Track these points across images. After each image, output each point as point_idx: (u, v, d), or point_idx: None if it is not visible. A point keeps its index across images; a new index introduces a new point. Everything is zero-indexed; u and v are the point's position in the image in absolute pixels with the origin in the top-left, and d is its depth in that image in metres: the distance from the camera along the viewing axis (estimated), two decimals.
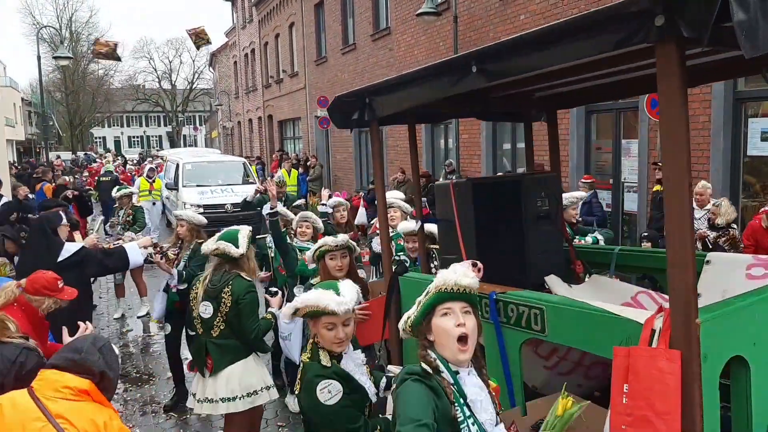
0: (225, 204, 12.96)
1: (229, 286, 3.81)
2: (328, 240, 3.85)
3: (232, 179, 14.57)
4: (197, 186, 13.79)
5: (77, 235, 6.71)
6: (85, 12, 64.87)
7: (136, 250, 5.18)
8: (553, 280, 3.42)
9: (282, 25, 25.42)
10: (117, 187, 9.39)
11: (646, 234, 6.64)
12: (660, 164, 7.50)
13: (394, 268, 3.66)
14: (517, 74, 2.53)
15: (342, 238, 3.90)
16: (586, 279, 3.82)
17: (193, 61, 68.61)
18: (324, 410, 2.43)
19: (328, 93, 19.25)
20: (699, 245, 5.97)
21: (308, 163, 18.30)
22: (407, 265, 4.65)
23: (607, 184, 9.55)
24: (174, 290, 5.19)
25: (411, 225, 4.90)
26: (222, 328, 3.82)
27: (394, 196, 6.22)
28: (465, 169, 12.87)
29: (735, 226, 6.13)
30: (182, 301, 5.14)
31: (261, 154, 29.03)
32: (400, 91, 3.15)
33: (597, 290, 3.38)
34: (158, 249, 5.27)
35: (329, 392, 2.44)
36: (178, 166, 14.68)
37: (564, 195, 5.86)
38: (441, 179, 13.09)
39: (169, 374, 6.14)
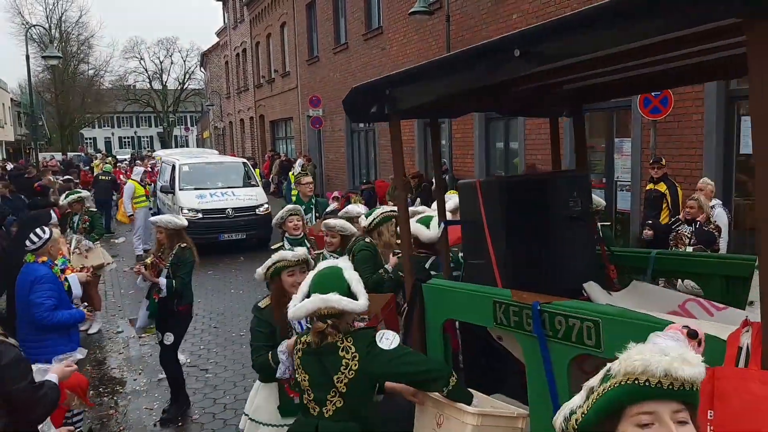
0: (226, 209, 12.22)
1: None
2: (286, 255, 3.38)
3: (233, 182, 13.53)
4: (195, 189, 12.80)
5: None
6: (75, 12, 64.42)
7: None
8: (592, 287, 3.18)
9: (273, 24, 25.33)
10: (66, 192, 8.56)
11: (649, 222, 6.65)
12: (659, 163, 7.51)
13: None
14: (569, 58, 2.24)
15: (301, 252, 3.46)
16: (621, 284, 3.58)
17: (184, 61, 68.33)
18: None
19: (320, 93, 19.18)
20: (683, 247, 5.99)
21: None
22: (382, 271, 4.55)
23: (600, 182, 9.55)
24: (156, 300, 5.02)
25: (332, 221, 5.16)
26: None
27: (349, 212, 5.80)
28: (458, 168, 12.85)
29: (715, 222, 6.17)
30: (163, 310, 5.05)
31: (253, 155, 28.92)
32: (426, 81, 2.86)
33: (639, 298, 3.12)
34: (138, 266, 5.11)
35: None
36: (174, 167, 13.57)
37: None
38: (434, 179, 13.06)
39: (162, 376, 6.08)
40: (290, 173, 15.59)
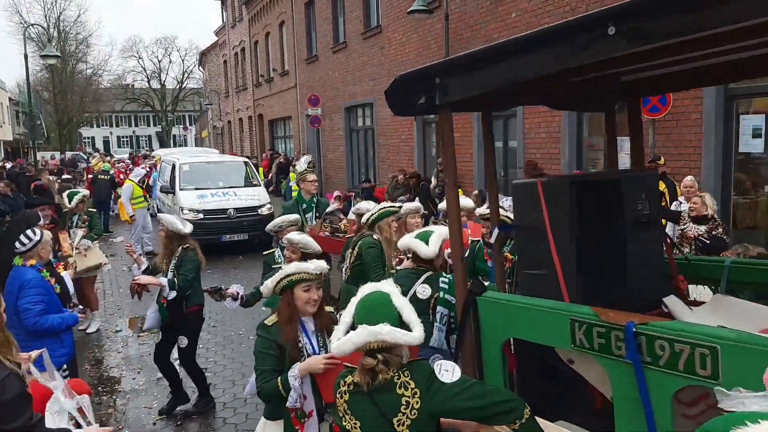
0: (227, 209, 12.00)
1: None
2: (306, 267, 3.02)
3: (234, 181, 13.25)
4: (196, 189, 12.53)
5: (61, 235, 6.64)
6: (74, 11, 64.21)
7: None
8: (675, 303, 2.85)
9: (272, 23, 25.31)
10: (69, 192, 8.45)
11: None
12: (656, 162, 7.51)
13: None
14: (672, 38, 1.92)
15: (323, 265, 3.12)
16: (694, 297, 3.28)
17: (183, 60, 68.49)
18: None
19: (319, 92, 19.17)
20: (688, 248, 5.90)
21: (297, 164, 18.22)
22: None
23: None
24: (164, 304, 5.00)
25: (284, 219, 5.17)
26: None
27: (360, 209, 5.65)
28: (457, 167, 12.83)
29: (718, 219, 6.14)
30: (173, 312, 5.02)
31: (252, 154, 28.90)
32: (486, 67, 2.48)
33: (727, 314, 2.77)
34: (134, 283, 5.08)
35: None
36: (174, 167, 13.32)
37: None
38: (433, 178, 13.06)
39: (160, 375, 6.08)
40: (291, 171, 15.39)
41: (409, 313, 2.29)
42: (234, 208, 12.06)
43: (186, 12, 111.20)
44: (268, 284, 3.08)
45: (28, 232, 4.48)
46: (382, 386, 2.18)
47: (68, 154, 36.65)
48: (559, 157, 10.00)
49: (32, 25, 32.79)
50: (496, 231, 3.37)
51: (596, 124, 9.82)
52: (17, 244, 4.41)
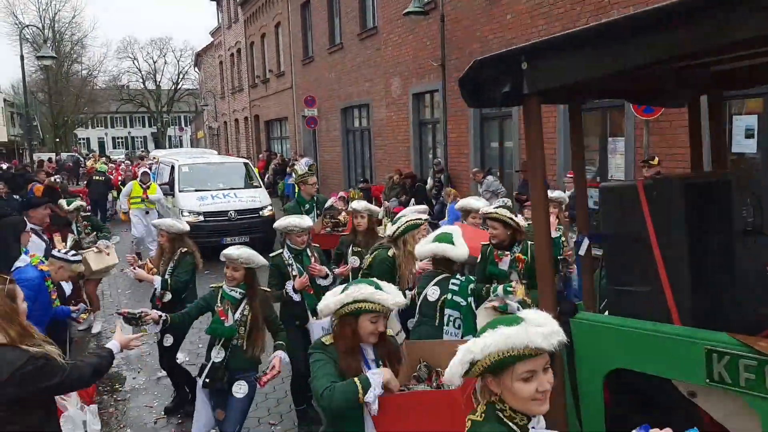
0: (228, 211, 11.87)
1: None
2: (380, 297, 2.61)
3: (234, 183, 13.11)
4: (196, 191, 12.37)
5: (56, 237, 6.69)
6: (69, 12, 64.11)
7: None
8: None
9: (268, 24, 25.34)
10: (67, 199, 8.16)
11: None
12: (648, 162, 7.60)
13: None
14: None
15: (400, 300, 2.75)
16: None
17: (178, 61, 68.04)
18: None
19: (315, 93, 19.22)
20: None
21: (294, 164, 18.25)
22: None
23: (594, 182, 9.63)
24: (159, 305, 5.03)
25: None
26: None
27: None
28: (453, 168, 12.92)
29: None
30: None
31: (248, 155, 28.90)
32: (593, 50, 2.09)
33: None
34: (133, 258, 5.15)
35: None
36: (173, 168, 13.16)
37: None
38: (429, 179, 13.13)
39: (161, 374, 6.12)
40: (287, 172, 15.13)
41: None
42: (235, 210, 11.91)
43: (181, 13, 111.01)
44: (330, 306, 2.67)
45: (72, 253, 4.75)
46: None
47: (63, 155, 36.58)
48: (554, 158, 10.07)
49: (28, 26, 32.61)
50: (585, 241, 2.96)
51: (590, 125, 9.91)
52: (56, 251, 4.63)
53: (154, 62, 60.09)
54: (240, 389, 3.93)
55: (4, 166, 23.65)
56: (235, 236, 11.63)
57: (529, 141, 2.57)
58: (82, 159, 36.93)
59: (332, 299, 2.69)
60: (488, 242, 4.57)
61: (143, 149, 52.40)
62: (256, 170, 15.45)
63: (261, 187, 13.52)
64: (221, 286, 4.05)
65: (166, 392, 5.78)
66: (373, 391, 2.44)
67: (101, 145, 67.59)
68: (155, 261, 5.36)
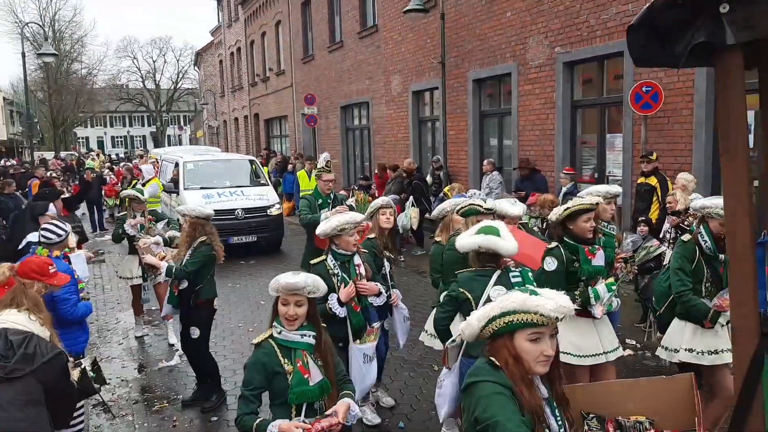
0: (235, 209, 11.46)
1: None
2: (540, 304, 1.97)
3: (241, 181, 12.74)
4: (201, 189, 11.95)
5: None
6: (69, 11, 64.20)
7: (82, 260, 4.93)
8: None
9: (268, 23, 25.40)
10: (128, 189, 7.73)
11: (642, 219, 6.85)
12: (647, 157, 7.66)
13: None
14: None
15: (567, 305, 2.02)
16: None
17: (178, 60, 68.28)
18: None
19: (315, 91, 19.29)
20: (660, 250, 6.14)
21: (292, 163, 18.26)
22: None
23: (592, 178, 9.70)
24: (175, 292, 5.10)
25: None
26: None
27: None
28: (452, 165, 12.99)
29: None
30: (182, 303, 5.09)
31: (248, 153, 28.96)
32: None
33: None
34: (144, 242, 5.19)
35: None
36: (178, 165, 12.79)
37: (594, 188, 4.98)
38: (428, 176, 13.19)
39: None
40: (313, 166, 14.33)
41: None
42: (242, 209, 11.53)
43: (182, 12, 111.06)
44: (473, 321, 2.07)
45: (57, 224, 4.59)
46: None
47: (62, 154, 36.63)
48: (553, 155, 10.14)
49: (29, 23, 32.63)
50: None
51: (589, 121, 9.98)
52: (45, 236, 4.50)
53: (154, 61, 60.33)
54: None
55: (8, 163, 23.69)
56: (243, 236, 11.43)
57: (727, 110, 1.74)
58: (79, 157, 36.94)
59: (473, 317, 2.08)
60: (556, 245, 3.99)
61: (142, 148, 52.37)
62: (264, 169, 15.18)
63: (268, 184, 13.21)
64: (269, 338, 2.84)
65: (168, 382, 5.85)
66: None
67: (100, 144, 67.62)
68: (180, 247, 5.30)
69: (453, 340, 3.52)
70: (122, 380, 5.97)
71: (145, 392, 5.70)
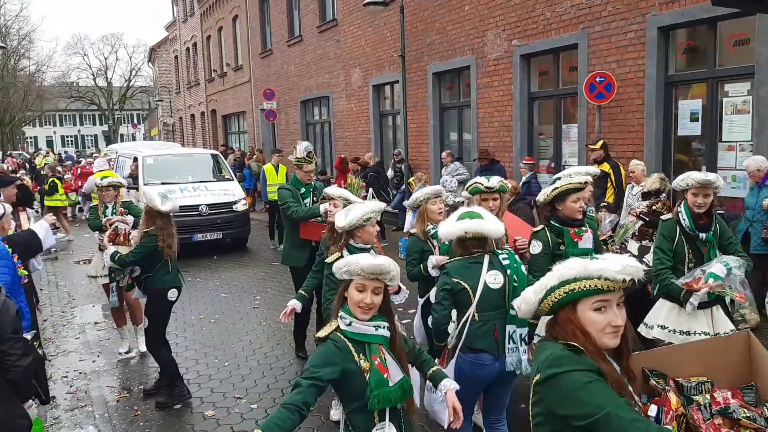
0: (199, 205, 11.17)
1: None
2: (604, 268, 1.74)
3: (203, 176, 12.35)
4: (162, 184, 11.50)
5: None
6: (15, 5, 61.62)
7: (45, 229, 4.62)
8: None
9: (225, 18, 25.04)
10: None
11: (604, 204, 7.01)
12: (592, 146, 7.92)
13: None
14: None
15: (635, 266, 1.82)
16: None
17: (130, 57, 66.69)
18: None
19: (274, 86, 19.13)
20: (637, 225, 6.26)
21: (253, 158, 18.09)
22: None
23: (549, 168, 9.94)
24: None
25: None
26: None
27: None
28: (413, 158, 13.08)
29: (664, 195, 6.45)
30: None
31: (205, 149, 28.48)
32: None
33: None
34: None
35: None
36: (136, 160, 12.38)
37: (574, 169, 4.74)
38: (390, 169, 13.27)
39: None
40: (280, 159, 13.83)
41: None
42: (206, 205, 11.21)
43: (134, 7, 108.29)
44: (529, 295, 1.88)
45: None
46: None
47: (14, 154, 35.41)
48: (511, 146, 10.34)
49: None
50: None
51: (546, 113, 10.22)
52: None
53: (106, 59, 58.70)
54: None
55: None
56: (207, 232, 11.16)
57: None
58: (73, 156, 35.81)
59: (530, 290, 1.89)
60: (542, 228, 3.93)
61: (93, 148, 50.89)
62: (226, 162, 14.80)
63: (233, 179, 12.89)
64: (333, 333, 2.44)
65: (128, 373, 5.75)
66: None
67: (49, 143, 65.34)
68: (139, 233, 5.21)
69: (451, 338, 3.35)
70: (80, 373, 5.83)
71: (105, 384, 5.58)
